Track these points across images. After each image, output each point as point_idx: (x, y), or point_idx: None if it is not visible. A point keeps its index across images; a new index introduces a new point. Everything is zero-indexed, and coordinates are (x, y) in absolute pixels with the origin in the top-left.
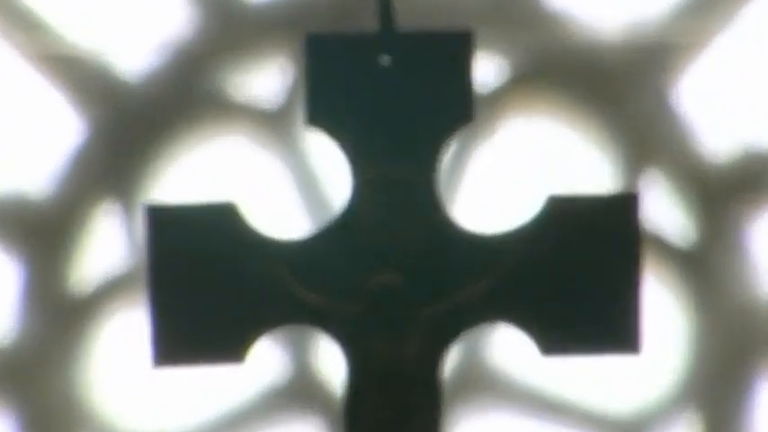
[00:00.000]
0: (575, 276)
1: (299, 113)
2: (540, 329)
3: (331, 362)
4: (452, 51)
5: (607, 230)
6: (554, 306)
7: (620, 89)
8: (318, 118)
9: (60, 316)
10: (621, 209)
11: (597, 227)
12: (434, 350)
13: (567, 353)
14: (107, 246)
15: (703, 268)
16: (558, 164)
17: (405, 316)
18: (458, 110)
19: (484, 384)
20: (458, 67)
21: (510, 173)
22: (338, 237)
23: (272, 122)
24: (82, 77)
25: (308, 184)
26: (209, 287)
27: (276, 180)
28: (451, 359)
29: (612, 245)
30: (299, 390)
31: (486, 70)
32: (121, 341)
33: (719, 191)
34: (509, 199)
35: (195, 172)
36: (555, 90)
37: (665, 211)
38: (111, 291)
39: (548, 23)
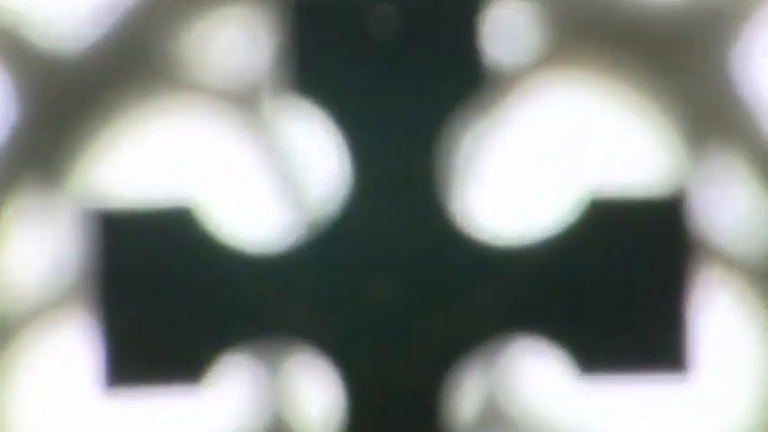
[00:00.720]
0: (609, 288)
1: (275, 91)
2: (569, 345)
3: (310, 400)
4: (463, 14)
5: (653, 236)
6: (583, 319)
7: (678, 57)
8: (304, 96)
9: None
10: (670, 210)
11: (641, 231)
12: (439, 371)
13: (604, 371)
14: (34, 248)
15: None
16: (598, 148)
17: (404, 331)
18: (468, 86)
19: (510, 419)
20: (469, 34)
21: (538, 162)
22: (325, 240)
23: (241, 101)
24: (8, 46)
25: (287, 177)
26: (165, 300)
27: (247, 172)
28: (471, 391)
29: (659, 252)
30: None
31: (513, 34)
32: (51, 365)
33: None
34: (535, 195)
35: (145, 161)
36: (597, 58)
37: (732, 211)
38: (40, 304)
39: None
